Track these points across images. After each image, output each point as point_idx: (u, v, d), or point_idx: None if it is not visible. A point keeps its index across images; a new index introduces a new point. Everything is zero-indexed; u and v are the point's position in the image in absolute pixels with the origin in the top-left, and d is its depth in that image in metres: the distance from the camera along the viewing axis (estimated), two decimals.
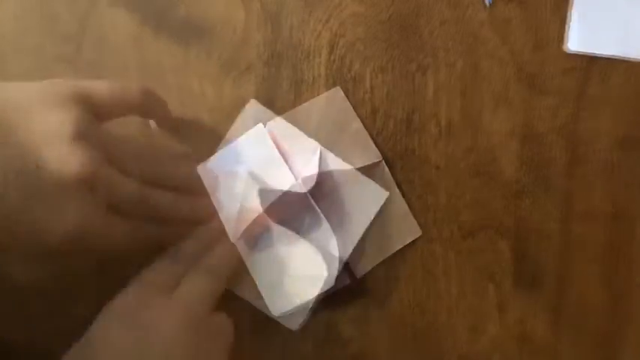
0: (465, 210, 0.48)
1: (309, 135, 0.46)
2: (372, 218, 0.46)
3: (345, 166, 0.46)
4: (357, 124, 0.47)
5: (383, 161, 0.46)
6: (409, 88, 0.47)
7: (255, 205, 0.45)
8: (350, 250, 0.46)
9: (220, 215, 0.45)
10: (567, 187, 0.47)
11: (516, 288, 0.48)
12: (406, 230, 0.47)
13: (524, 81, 0.47)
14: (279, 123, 0.46)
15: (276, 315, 0.46)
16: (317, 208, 0.45)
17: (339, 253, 0.45)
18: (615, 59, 0.47)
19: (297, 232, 0.46)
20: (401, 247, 0.47)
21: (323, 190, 0.46)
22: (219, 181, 0.46)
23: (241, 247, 0.46)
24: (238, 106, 0.47)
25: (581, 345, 0.48)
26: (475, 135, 0.47)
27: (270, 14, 0.47)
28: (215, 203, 0.45)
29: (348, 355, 0.48)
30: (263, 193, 0.45)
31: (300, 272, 0.46)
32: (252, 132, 0.46)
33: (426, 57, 0.47)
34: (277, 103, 0.47)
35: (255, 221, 0.45)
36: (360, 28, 0.47)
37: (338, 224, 0.46)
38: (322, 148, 0.46)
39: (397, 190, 0.47)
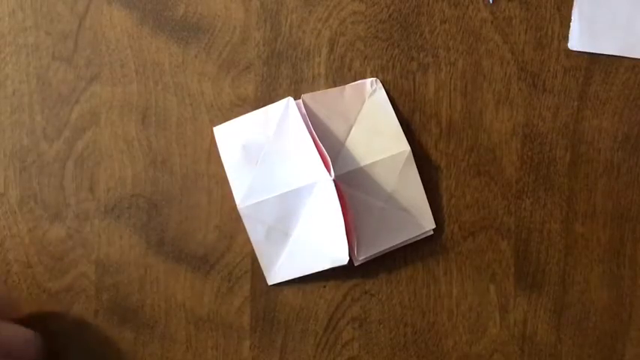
0: (466, 210, 0.47)
1: (341, 117, 0.46)
2: (402, 240, 0.47)
3: (374, 158, 0.46)
4: (390, 113, 0.46)
5: (410, 151, 0.46)
6: (410, 88, 0.47)
7: (270, 182, 0.46)
8: (369, 253, 0.46)
9: (230, 180, 0.46)
10: (569, 186, 0.47)
11: (517, 288, 0.48)
12: (421, 221, 0.47)
13: (526, 80, 0.47)
14: (313, 98, 0.46)
15: (270, 284, 0.47)
16: (337, 199, 0.44)
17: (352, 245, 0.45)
18: (617, 58, 0.46)
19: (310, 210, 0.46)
20: (412, 236, 0.47)
21: (356, 183, 0.46)
22: (236, 146, 0.46)
23: (246, 216, 0.46)
24: (237, 105, 0.47)
25: (583, 345, 0.48)
26: (476, 134, 0.47)
27: (270, 13, 0.46)
28: (226, 167, 0.46)
29: (348, 356, 0.48)
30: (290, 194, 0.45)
31: (301, 248, 0.46)
32: (281, 103, 0.46)
33: (426, 56, 0.47)
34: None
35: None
36: (360, 27, 0.46)
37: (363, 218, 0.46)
38: (351, 135, 0.46)
39: (419, 181, 0.46)
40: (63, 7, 0.47)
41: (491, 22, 0.46)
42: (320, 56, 0.47)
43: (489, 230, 0.48)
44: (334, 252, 0.45)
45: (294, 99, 0.46)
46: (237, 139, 0.46)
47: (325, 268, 0.46)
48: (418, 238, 0.47)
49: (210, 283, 0.48)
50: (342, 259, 0.45)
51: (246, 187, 0.46)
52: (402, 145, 0.46)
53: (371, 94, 0.46)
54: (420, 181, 0.46)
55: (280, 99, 0.47)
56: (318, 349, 0.48)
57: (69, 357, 0.48)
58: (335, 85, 0.47)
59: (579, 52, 0.46)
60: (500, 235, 0.48)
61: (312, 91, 0.47)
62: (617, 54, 0.46)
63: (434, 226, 0.47)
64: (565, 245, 0.48)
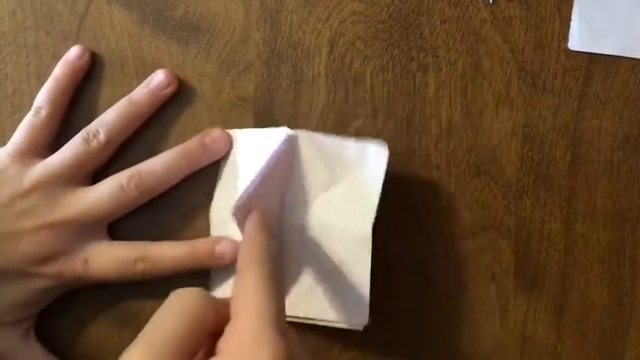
0: (466, 210, 0.47)
1: (329, 168, 0.44)
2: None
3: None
4: (376, 188, 0.43)
5: (370, 233, 0.42)
6: (410, 88, 0.47)
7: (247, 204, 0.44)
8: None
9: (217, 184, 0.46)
10: (569, 186, 0.47)
11: (517, 288, 0.48)
12: (353, 312, 0.43)
13: (526, 80, 0.47)
14: (309, 139, 0.44)
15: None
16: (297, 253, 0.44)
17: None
18: (617, 58, 0.46)
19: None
20: (339, 322, 0.44)
21: (309, 238, 0.44)
22: (230, 156, 0.46)
23: (215, 225, 0.46)
24: (237, 105, 0.47)
25: (583, 346, 0.48)
26: (476, 135, 0.47)
27: (270, 13, 0.46)
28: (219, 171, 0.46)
29: (348, 356, 0.48)
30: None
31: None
32: (275, 130, 0.44)
33: (426, 56, 0.47)
34: (276, 103, 0.47)
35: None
36: (360, 27, 0.46)
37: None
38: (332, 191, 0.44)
39: (368, 270, 0.43)
40: (63, 7, 0.47)
41: (491, 22, 0.46)
42: (320, 56, 0.47)
43: (489, 230, 0.48)
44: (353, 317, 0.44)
45: (294, 99, 0.46)
46: (233, 150, 0.46)
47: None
48: (346, 327, 0.44)
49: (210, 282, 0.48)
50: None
51: (223, 197, 0.46)
52: (365, 224, 0.42)
53: (370, 162, 0.43)
54: (368, 269, 0.43)
55: (280, 99, 0.47)
56: (318, 350, 0.48)
57: (69, 357, 0.48)
58: (335, 86, 0.47)
59: (579, 52, 0.46)
60: (500, 235, 0.48)
61: (312, 91, 0.47)
62: (617, 54, 0.46)
63: (365, 323, 0.43)
64: (565, 245, 0.48)
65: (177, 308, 0.32)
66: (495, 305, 0.48)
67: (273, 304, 0.32)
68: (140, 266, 0.44)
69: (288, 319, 0.42)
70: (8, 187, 0.43)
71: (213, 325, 0.32)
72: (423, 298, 0.48)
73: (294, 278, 0.45)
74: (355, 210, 0.43)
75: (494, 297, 0.48)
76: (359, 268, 0.43)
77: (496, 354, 0.48)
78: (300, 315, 0.45)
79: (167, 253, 0.45)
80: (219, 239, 0.45)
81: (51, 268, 0.44)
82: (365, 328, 0.43)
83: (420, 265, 0.48)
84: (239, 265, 0.35)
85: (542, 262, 0.48)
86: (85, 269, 0.44)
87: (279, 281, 0.34)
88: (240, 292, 0.33)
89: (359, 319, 0.43)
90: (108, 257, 0.44)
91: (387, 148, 0.43)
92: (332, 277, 0.44)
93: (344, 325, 0.44)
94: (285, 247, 0.45)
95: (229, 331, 0.32)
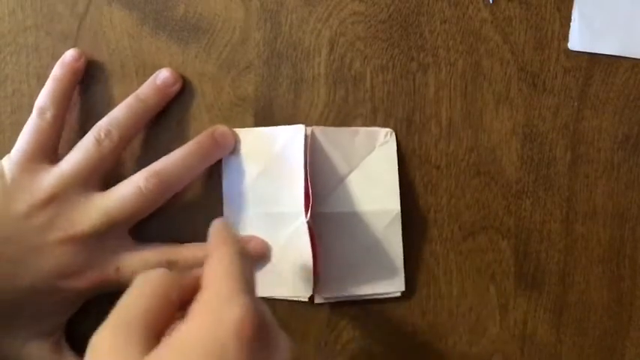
0: (466, 210, 0.47)
1: (345, 158, 0.46)
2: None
3: (363, 208, 0.46)
4: (393, 168, 0.46)
5: (399, 212, 0.46)
6: (410, 88, 0.47)
7: (255, 198, 0.46)
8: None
9: (223, 183, 0.46)
10: (569, 186, 0.47)
11: (517, 288, 0.48)
12: (390, 282, 0.47)
13: (526, 80, 0.47)
14: (323, 133, 0.46)
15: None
16: (308, 241, 0.44)
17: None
18: (617, 58, 0.46)
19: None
20: (378, 293, 0.47)
21: (338, 226, 0.46)
22: (237, 153, 0.46)
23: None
24: (237, 105, 0.47)
25: (583, 345, 0.48)
26: (476, 134, 0.47)
27: (270, 13, 0.46)
28: (223, 169, 0.46)
29: (348, 356, 0.48)
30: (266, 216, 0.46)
31: (268, 270, 0.46)
32: (290, 128, 0.45)
33: (426, 56, 0.47)
34: (276, 103, 0.47)
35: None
36: (360, 27, 0.46)
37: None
38: (349, 178, 0.46)
39: (400, 243, 0.47)
40: (63, 7, 0.47)
41: (491, 22, 0.46)
42: (320, 56, 0.47)
43: (489, 230, 0.48)
44: (297, 284, 0.45)
45: (294, 99, 0.46)
46: (240, 147, 0.46)
47: (284, 296, 0.46)
48: (384, 297, 0.47)
49: None
50: (304, 295, 0.45)
51: (233, 195, 0.46)
52: (393, 204, 0.46)
53: (381, 145, 0.46)
54: (400, 243, 0.46)
55: (280, 99, 0.47)
56: (318, 349, 0.48)
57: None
58: (335, 86, 0.47)
59: (579, 52, 0.46)
60: (500, 235, 0.48)
61: (312, 91, 0.47)
62: (617, 54, 0.46)
63: (403, 289, 0.47)
64: (565, 245, 0.48)
65: (144, 286, 0.33)
66: (495, 305, 0.48)
67: (243, 273, 0.33)
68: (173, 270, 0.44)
69: (330, 300, 0.47)
70: (23, 199, 0.41)
71: (181, 300, 0.33)
72: (423, 298, 0.48)
73: (331, 264, 0.46)
74: (380, 193, 0.46)
75: (495, 297, 0.48)
76: (392, 245, 0.46)
77: (496, 354, 0.48)
78: (339, 295, 0.47)
79: (198, 254, 0.44)
80: (248, 239, 0.45)
81: (82, 282, 0.42)
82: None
83: (420, 265, 0.48)
84: (210, 249, 0.36)
85: (542, 262, 0.48)
86: (118, 277, 0.43)
87: (249, 264, 0.36)
88: (211, 267, 0.34)
89: (395, 287, 0.47)
90: (139, 263, 0.43)
91: (393, 132, 0.47)
92: (368, 256, 0.46)
93: (381, 296, 0.47)
94: (321, 235, 0.46)
95: (200, 296, 0.32)
